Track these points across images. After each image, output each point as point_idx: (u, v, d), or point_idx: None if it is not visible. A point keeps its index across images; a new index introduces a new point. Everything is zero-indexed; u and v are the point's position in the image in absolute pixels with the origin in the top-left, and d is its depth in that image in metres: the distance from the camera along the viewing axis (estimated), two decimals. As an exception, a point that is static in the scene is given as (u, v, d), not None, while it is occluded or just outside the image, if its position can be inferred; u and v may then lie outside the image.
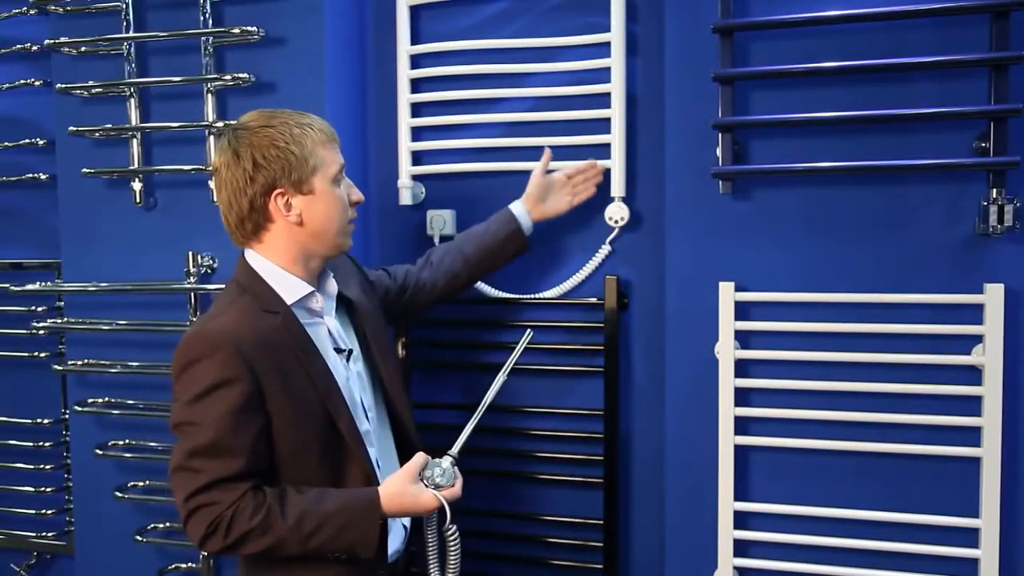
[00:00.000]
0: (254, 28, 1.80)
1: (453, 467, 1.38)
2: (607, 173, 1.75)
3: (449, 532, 1.39)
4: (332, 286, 1.45)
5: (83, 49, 1.95)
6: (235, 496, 1.26)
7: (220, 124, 1.83)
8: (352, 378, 1.42)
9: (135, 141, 1.93)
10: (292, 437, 1.31)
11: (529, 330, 1.52)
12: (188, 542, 1.96)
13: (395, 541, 1.44)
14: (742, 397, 1.60)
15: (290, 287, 1.36)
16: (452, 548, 1.40)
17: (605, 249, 1.79)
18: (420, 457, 1.38)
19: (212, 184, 1.82)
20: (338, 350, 1.41)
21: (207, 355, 1.26)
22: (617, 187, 1.75)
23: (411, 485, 1.35)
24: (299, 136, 1.32)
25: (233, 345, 1.26)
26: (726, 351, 1.58)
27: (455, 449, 1.40)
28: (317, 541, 1.28)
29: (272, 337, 1.31)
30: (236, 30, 1.80)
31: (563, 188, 1.73)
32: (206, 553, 1.30)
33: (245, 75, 1.81)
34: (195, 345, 1.28)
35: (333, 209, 1.37)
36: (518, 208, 1.70)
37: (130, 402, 2.00)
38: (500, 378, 1.45)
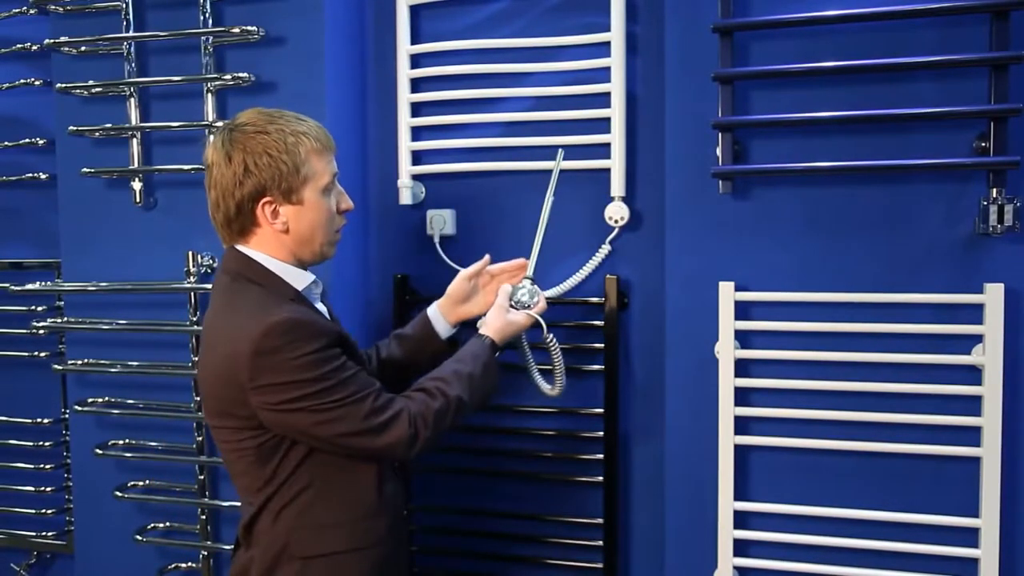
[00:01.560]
0: (254, 28, 1.79)
1: (533, 285, 1.59)
2: (607, 172, 1.75)
3: (548, 340, 1.60)
4: (318, 285, 1.44)
5: (83, 49, 1.94)
6: (394, 396, 1.35)
7: (220, 124, 1.82)
8: None
9: (135, 141, 1.93)
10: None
11: (561, 149, 1.65)
12: (188, 542, 1.97)
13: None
14: (742, 397, 1.60)
15: (296, 276, 1.37)
16: (554, 353, 1.61)
17: (605, 249, 1.79)
18: (504, 289, 1.57)
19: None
20: None
21: (290, 340, 1.25)
22: (617, 187, 1.75)
23: (506, 314, 1.54)
24: (293, 145, 1.31)
25: (304, 323, 1.28)
26: (726, 351, 1.58)
27: (530, 271, 1.61)
28: (477, 395, 1.42)
29: (319, 316, 1.36)
30: (236, 30, 1.80)
31: (487, 287, 1.65)
32: (415, 453, 1.36)
33: (245, 75, 1.81)
34: (270, 336, 1.25)
35: (321, 219, 1.36)
36: (432, 311, 1.64)
37: (130, 402, 2.00)
38: (549, 198, 1.62)
